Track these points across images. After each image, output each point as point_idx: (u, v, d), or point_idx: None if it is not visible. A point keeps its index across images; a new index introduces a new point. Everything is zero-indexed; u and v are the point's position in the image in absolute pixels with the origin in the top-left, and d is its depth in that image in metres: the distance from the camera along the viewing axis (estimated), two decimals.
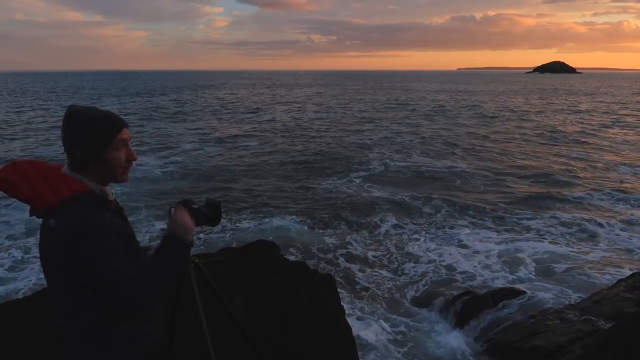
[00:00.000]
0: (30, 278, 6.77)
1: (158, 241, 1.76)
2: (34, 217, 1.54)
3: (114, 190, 1.68)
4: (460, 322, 5.48)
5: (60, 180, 1.50)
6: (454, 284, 6.84)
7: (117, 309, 1.53)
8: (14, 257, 7.71)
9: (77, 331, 1.57)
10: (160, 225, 9.44)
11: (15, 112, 33.94)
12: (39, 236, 1.55)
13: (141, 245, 1.78)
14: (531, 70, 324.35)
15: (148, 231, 9.21)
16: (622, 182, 13.39)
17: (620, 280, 5.45)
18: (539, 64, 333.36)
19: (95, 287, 1.47)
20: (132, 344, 1.62)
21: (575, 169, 15.22)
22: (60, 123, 1.59)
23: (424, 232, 9.25)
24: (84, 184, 1.52)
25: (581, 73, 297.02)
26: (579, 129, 25.09)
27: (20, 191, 1.49)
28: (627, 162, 16.44)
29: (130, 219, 1.76)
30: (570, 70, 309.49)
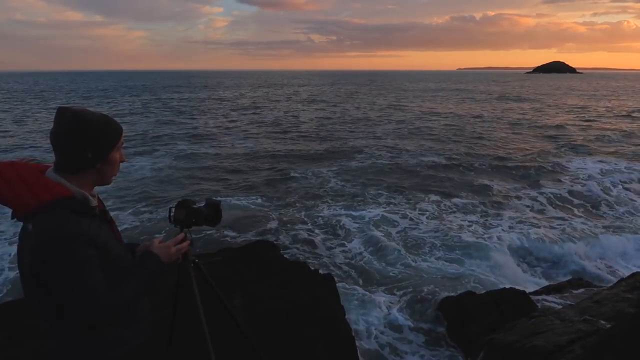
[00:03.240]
0: None
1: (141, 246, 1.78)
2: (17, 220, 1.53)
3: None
4: (460, 322, 5.47)
5: (42, 183, 1.48)
6: (454, 284, 6.84)
7: (81, 320, 1.52)
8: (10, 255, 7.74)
9: (60, 334, 1.56)
10: (142, 221, 9.68)
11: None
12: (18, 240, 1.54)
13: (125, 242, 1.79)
14: (531, 70, 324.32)
15: (134, 228, 9.27)
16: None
17: (620, 280, 5.44)
18: (539, 64, 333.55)
19: (62, 298, 1.46)
20: (116, 347, 1.62)
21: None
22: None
23: (417, 229, 9.26)
24: (65, 189, 1.50)
25: (581, 73, 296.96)
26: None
27: (0, 193, 1.46)
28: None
29: (115, 216, 1.77)
30: (571, 70, 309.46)
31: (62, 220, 1.44)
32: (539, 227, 9.47)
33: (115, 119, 1.66)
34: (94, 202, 1.59)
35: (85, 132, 1.51)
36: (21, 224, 1.54)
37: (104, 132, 1.55)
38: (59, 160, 1.53)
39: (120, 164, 1.66)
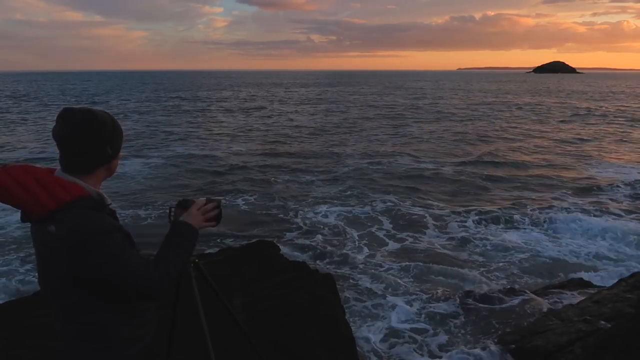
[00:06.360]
0: (30, 278, 6.79)
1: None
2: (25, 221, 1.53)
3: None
4: (460, 322, 5.47)
5: (58, 184, 1.47)
6: (453, 283, 6.85)
7: (137, 298, 1.59)
8: (11, 256, 7.73)
9: (75, 335, 1.57)
10: (138, 221, 9.68)
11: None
12: (33, 243, 1.55)
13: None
14: (531, 70, 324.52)
15: (131, 228, 9.26)
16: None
17: (620, 280, 5.44)
18: (539, 64, 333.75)
19: (115, 283, 1.49)
20: (129, 347, 1.63)
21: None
22: None
23: (412, 229, 9.26)
24: (82, 188, 1.51)
25: (582, 73, 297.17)
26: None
27: (14, 196, 1.44)
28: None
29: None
30: (570, 70, 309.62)
31: (87, 216, 1.46)
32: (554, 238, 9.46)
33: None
34: (109, 200, 1.62)
35: (103, 130, 1.55)
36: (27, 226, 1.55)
37: (115, 127, 1.61)
38: (71, 161, 1.53)
39: None
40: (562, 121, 29.14)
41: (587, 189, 12.57)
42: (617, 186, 12.75)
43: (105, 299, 1.54)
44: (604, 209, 10.63)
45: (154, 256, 1.61)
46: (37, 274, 1.62)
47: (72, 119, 1.51)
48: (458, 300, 5.96)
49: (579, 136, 22.69)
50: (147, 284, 1.52)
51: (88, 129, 1.51)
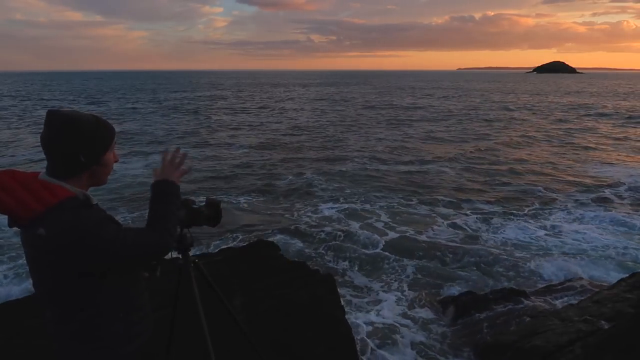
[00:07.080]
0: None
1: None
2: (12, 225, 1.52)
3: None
4: (459, 323, 5.47)
5: (43, 188, 1.47)
6: (452, 282, 6.85)
7: (150, 262, 1.78)
8: (10, 257, 7.73)
9: (70, 336, 1.58)
10: (137, 222, 9.57)
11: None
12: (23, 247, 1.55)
13: None
14: (531, 70, 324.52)
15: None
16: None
17: (620, 280, 5.44)
18: (539, 64, 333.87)
19: (123, 262, 1.55)
20: (125, 345, 1.63)
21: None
22: None
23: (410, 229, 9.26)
24: (67, 190, 1.50)
25: (582, 73, 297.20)
26: None
27: (1, 202, 1.44)
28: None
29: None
30: (571, 70, 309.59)
31: (78, 215, 1.47)
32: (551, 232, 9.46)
33: (110, 118, 1.66)
34: (95, 200, 1.61)
35: (78, 136, 1.50)
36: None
37: (96, 134, 1.55)
38: (52, 164, 1.52)
39: (114, 163, 1.69)
40: (562, 120, 29.13)
41: (589, 188, 12.56)
42: (619, 186, 12.77)
43: (116, 276, 1.59)
44: (605, 209, 10.64)
45: (147, 221, 1.66)
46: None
47: (52, 122, 1.50)
48: (458, 301, 5.96)
49: (579, 135, 22.71)
50: (151, 248, 1.59)
51: (63, 134, 1.49)
